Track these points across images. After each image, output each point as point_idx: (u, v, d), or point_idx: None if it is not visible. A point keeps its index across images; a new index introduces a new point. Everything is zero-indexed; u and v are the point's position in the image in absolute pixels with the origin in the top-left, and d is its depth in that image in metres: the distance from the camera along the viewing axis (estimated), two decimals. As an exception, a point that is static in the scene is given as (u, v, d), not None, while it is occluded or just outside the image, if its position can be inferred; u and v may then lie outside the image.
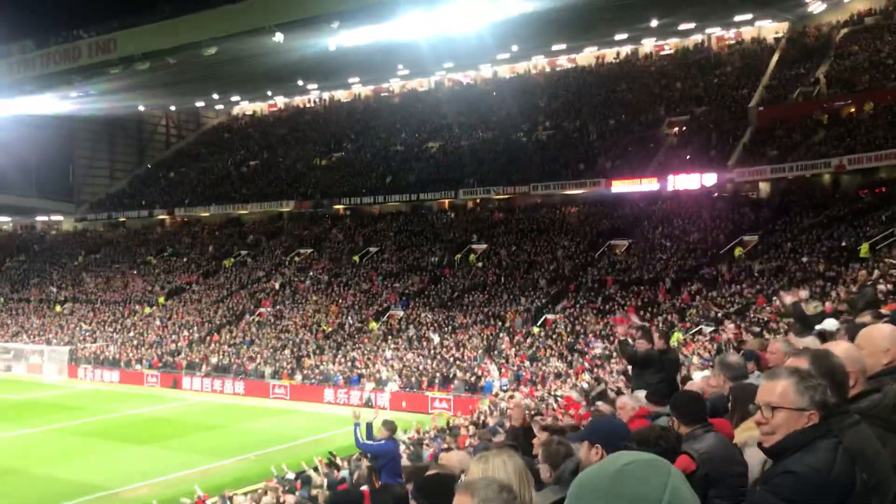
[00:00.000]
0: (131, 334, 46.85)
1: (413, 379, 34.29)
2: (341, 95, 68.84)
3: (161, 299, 50.45)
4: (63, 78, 53.04)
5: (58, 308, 52.93)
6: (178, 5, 47.24)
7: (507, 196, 47.95)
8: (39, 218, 71.09)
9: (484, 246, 45.23)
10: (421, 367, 34.96)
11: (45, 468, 24.13)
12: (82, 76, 52.72)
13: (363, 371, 36.10)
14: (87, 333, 47.94)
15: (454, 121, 54.63)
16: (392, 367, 35.73)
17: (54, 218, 70.31)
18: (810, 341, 6.22)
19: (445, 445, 15.73)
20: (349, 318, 41.85)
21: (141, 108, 67.72)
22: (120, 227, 65.98)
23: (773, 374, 2.90)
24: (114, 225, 66.49)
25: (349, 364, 37.06)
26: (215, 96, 68.81)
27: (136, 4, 77.97)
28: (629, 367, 10.93)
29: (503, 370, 32.66)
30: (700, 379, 8.98)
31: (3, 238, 71.04)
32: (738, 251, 36.12)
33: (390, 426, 11.35)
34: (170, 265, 56.19)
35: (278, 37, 43.79)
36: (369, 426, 11.76)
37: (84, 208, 68.92)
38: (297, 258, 51.52)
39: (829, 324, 7.80)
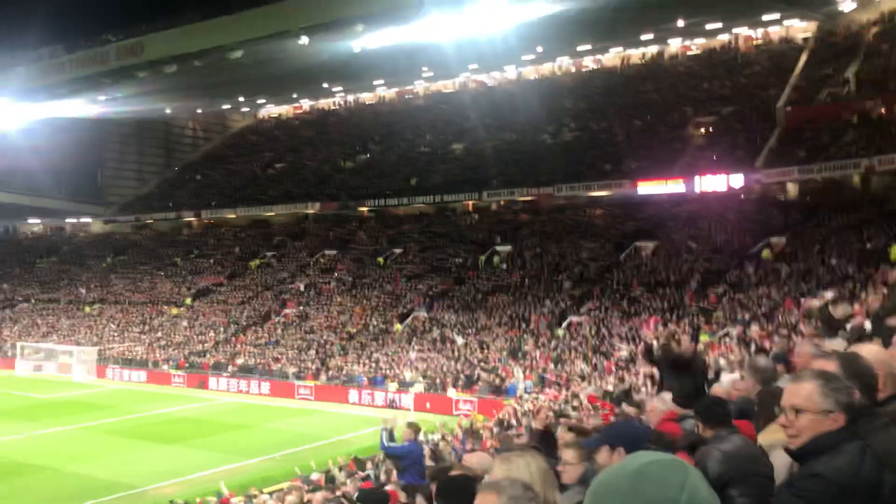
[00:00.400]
0: (158, 335, 47.33)
1: (437, 380, 34.31)
2: (366, 98, 69.06)
3: (188, 300, 50.92)
4: (92, 81, 53.77)
5: (87, 309, 53.60)
6: (205, 9, 47.77)
7: (531, 198, 47.79)
8: (69, 220, 71.99)
9: (508, 248, 45.16)
10: (445, 369, 34.97)
11: (74, 466, 24.43)
12: (111, 79, 53.39)
13: (387, 372, 36.19)
14: (115, 334, 48.52)
15: (479, 122, 54.56)
16: (416, 368, 35.79)
17: (83, 220, 71.17)
18: (838, 344, 6.15)
19: (469, 447, 15.73)
20: (374, 319, 41.97)
21: (168, 111, 68.36)
22: (147, 228, 66.69)
23: (798, 376, 2.87)
24: (141, 227, 67.21)
25: (373, 365, 37.18)
26: (241, 99, 69.40)
27: (164, 8, 78.97)
28: (656, 370, 10.85)
29: (527, 372, 32.58)
30: (727, 382, 8.90)
31: (33, 240, 72.11)
32: (765, 253, 35.74)
33: (414, 428, 11.37)
34: (196, 266, 56.70)
35: (304, 40, 44.13)
36: (392, 429, 11.79)
37: (112, 210, 69.72)
38: (322, 259, 51.78)
39: (859, 326, 7.69)
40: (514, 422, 20.74)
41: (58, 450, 26.73)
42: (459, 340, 37.22)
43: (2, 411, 33.67)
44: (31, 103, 56.98)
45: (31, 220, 73.08)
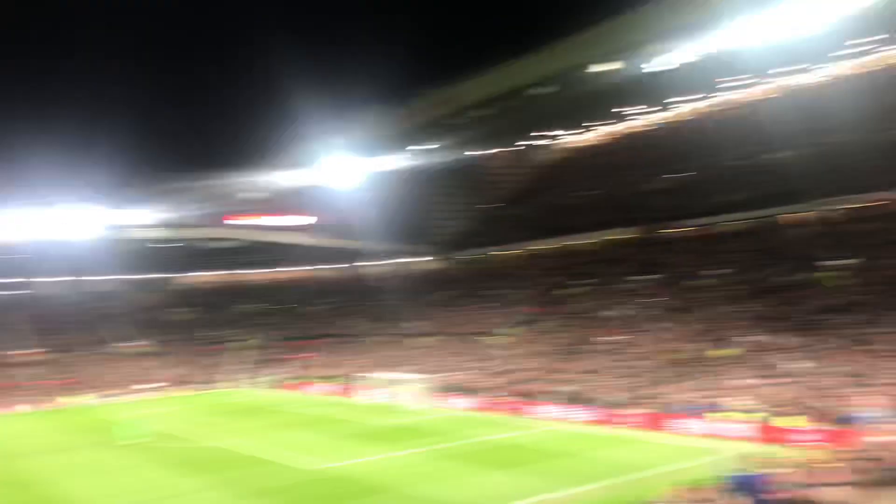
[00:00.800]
0: (484, 363, 49.52)
1: (770, 408, 31.86)
2: (671, 117, 67.34)
3: (510, 330, 52.76)
4: (413, 133, 58.52)
5: (418, 340, 57.77)
6: (511, 50, 49.60)
7: (865, 204, 43.05)
8: (400, 260, 78.60)
9: (845, 262, 40.97)
10: (779, 396, 32.42)
11: (412, 488, 26.13)
12: (430, 129, 57.72)
13: (714, 400, 34.38)
14: (445, 363, 51.62)
15: (796, 128, 50.56)
16: (745, 396, 33.57)
17: (412, 259, 77.34)
18: None
19: (816, 480, 14.34)
20: (697, 344, 40.27)
21: (480, 151, 72.16)
22: (468, 264, 70.56)
23: None
24: (465, 262, 71.27)
25: (699, 392, 35.55)
26: (547, 132, 71.21)
27: (473, 57, 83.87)
28: None
29: (876, 400, 29.07)
30: None
31: (374, 278, 79.58)
32: None
33: (752, 459, 10.65)
34: (516, 297, 58.68)
35: (605, 67, 44.23)
36: (723, 460, 11.15)
37: (436, 249, 74.86)
38: (639, 285, 50.93)
39: None
40: (868, 455, 18.56)
41: (399, 473, 28.78)
42: (795, 365, 34.33)
43: (349, 435, 37.22)
44: (364, 158, 63.52)
45: (369, 262, 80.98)
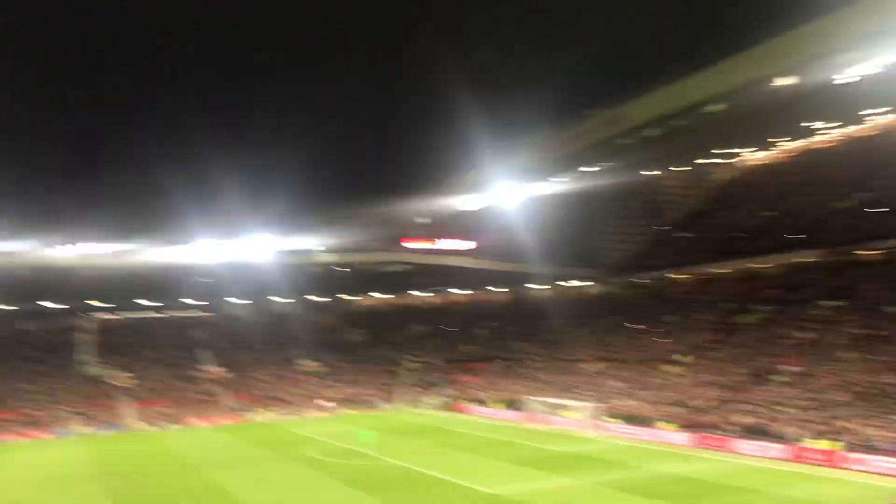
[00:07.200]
0: (655, 392, 47.94)
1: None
2: (858, 131, 62.93)
3: (682, 357, 50.85)
4: (579, 155, 57.99)
5: (588, 365, 56.78)
6: (680, 68, 48.07)
7: None
8: (568, 283, 77.84)
9: None
10: None
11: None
12: (595, 151, 57.00)
13: (915, 437, 31.48)
14: (615, 390, 50.42)
15: None
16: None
17: (581, 283, 76.42)
18: None
19: None
20: (891, 376, 37.09)
21: (648, 172, 70.46)
22: (638, 288, 68.80)
23: None
24: (634, 286, 69.58)
25: (894, 428, 32.68)
26: (721, 151, 68.51)
27: (640, 75, 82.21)
28: None
29: None
30: None
31: (538, 303, 79.22)
32: None
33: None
34: (688, 323, 56.53)
35: (784, 80, 42.08)
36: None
37: (604, 272, 73.56)
38: (824, 311, 47.65)
39: None
40: None
41: (571, 502, 28.25)
42: None
43: (523, 460, 36.98)
44: (532, 181, 63.59)
45: (532, 286, 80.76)
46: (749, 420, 39.10)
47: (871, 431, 33.21)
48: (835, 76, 42.08)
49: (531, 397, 52.45)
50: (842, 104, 51.65)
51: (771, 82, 43.16)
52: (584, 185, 67.27)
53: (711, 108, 47.03)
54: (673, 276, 64.67)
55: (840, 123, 62.22)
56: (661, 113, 49.24)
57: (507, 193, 68.58)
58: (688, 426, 41.46)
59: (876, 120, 60.77)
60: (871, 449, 32.08)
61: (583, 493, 29.72)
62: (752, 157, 72.49)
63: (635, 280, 69.26)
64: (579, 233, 76.56)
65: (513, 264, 77.90)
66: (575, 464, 35.95)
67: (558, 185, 66.96)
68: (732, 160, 73.34)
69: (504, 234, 75.63)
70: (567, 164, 61.64)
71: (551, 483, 31.48)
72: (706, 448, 38.74)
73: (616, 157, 58.60)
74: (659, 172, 73.14)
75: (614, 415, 46.53)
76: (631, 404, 47.39)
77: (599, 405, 47.56)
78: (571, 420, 47.92)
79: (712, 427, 40.14)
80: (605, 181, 67.02)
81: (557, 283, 78.99)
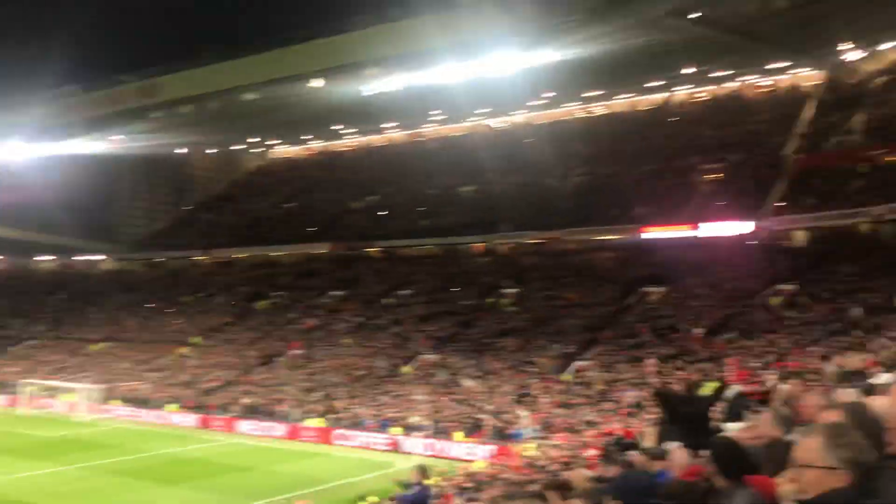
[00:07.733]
0: (166, 373, 47.23)
1: (443, 424, 34.04)
2: (377, 140, 69.61)
3: (196, 339, 50.89)
4: (107, 121, 54.48)
5: (95, 346, 53.60)
6: (220, 51, 48.45)
7: (540, 241, 47.94)
8: (80, 257, 72.31)
9: (517, 290, 45.16)
10: (452, 413, 34.73)
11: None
12: (125, 119, 54.11)
13: (394, 415, 35.95)
14: (123, 372, 48.42)
15: (489, 166, 54.82)
16: (422, 411, 35.54)
17: (94, 257, 71.50)
18: (850, 395, 6.08)
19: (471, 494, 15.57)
20: (381, 361, 41.85)
21: (180, 150, 69.06)
22: (157, 267, 66.95)
23: (807, 430, 2.89)
24: (152, 265, 67.48)
25: (380, 408, 36.96)
26: (253, 140, 70.08)
27: (179, 50, 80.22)
28: (664, 416, 10.78)
29: (533, 417, 32.31)
30: (733, 431, 8.80)
31: (45, 276, 72.42)
32: (774, 300, 35.63)
33: (423, 471, 11.33)
34: (205, 306, 56.76)
35: (317, 83, 44.75)
36: (396, 473, 11.76)
37: (123, 248, 70.06)
38: (330, 300, 51.79)
39: (878, 378, 7.52)
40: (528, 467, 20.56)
41: (58, 490, 26.52)
42: (467, 384, 37.03)
43: (5, 449, 33.51)
44: (46, 142, 57.68)
45: (41, 257, 73.41)
46: (254, 401, 40.73)
47: (360, 410, 37.02)
48: (361, 87, 45.93)
49: (23, 380, 47.74)
50: (366, 114, 56.58)
51: (305, 82, 45.55)
52: (108, 153, 63.01)
53: (247, 96, 47.93)
54: (193, 257, 64.25)
55: (361, 131, 68.00)
56: (196, 93, 48.71)
57: (14, 151, 61.03)
58: (195, 408, 41.67)
59: (390, 133, 67.75)
60: (359, 426, 35.78)
61: (71, 478, 28.08)
62: (281, 149, 75.38)
63: (154, 259, 67.27)
64: (96, 204, 71.36)
65: (11, 231, 69.22)
66: (67, 448, 33.77)
67: (77, 149, 61.51)
68: (262, 150, 75.41)
69: (4, 196, 67.02)
70: (91, 127, 57.18)
71: (37, 471, 29.11)
72: (211, 429, 39.30)
73: (147, 129, 56.22)
74: (189, 151, 71.96)
75: (119, 397, 44.69)
76: (139, 386, 45.99)
77: (102, 387, 45.19)
78: (69, 403, 44.76)
79: (219, 409, 40.93)
80: (132, 153, 63.67)
81: (66, 256, 72.78)
